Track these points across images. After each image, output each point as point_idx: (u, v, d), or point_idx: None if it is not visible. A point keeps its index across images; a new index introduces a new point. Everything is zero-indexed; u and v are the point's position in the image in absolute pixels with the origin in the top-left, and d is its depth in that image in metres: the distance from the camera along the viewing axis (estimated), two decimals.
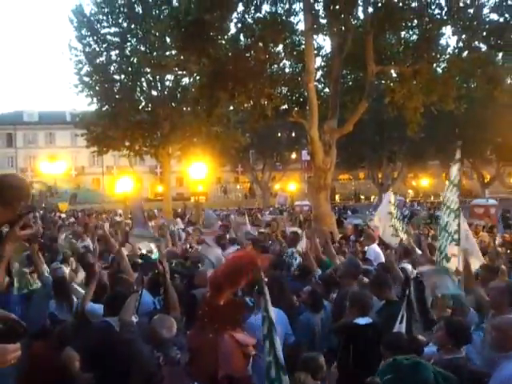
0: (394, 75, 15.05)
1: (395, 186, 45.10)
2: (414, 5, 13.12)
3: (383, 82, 16.01)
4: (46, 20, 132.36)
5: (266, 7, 13.64)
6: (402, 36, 14.44)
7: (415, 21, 13.58)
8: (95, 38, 23.90)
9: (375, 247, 8.19)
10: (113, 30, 24.06)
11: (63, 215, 22.60)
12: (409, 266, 6.30)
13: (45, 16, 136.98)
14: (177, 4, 19.00)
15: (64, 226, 13.74)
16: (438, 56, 14.14)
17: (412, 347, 3.37)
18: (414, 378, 2.07)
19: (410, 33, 14.24)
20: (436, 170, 46.46)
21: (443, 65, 14.40)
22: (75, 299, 5.14)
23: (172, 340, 3.75)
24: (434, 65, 14.12)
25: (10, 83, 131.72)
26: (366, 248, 8.34)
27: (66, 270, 6.58)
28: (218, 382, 3.42)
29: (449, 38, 16.96)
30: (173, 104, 24.37)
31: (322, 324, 4.87)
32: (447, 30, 14.04)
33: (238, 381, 3.53)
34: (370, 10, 13.20)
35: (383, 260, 7.54)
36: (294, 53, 14.54)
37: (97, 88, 24.14)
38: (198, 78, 17.84)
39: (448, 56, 14.11)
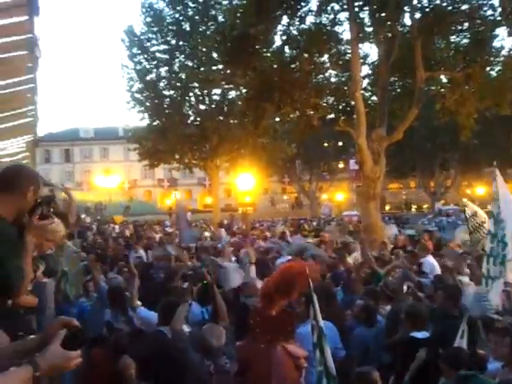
0: (445, 80, 14.60)
1: (448, 195, 43.52)
2: (464, 7, 12.72)
3: (433, 87, 15.56)
4: (99, 41, 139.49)
5: (310, 18, 13.71)
6: (452, 40, 14.01)
7: (466, 24, 13.15)
8: (145, 55, 24.87)
9: (430, 259, 7.92)
10: (162, 47, 24.96)
11: (116, 227, 23.45)
12: (465, 279, 6.04)
13: (98, 37, 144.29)
14: (223, 20, 19.46)
15: (119, 238, 14.25)
16: (492, 59, 13.59)
17: (473, 362, 3.21)
18: None
19: (461, 36, 13.79)
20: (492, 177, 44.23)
21: (497, 68, 13.83)
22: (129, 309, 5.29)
23: (221, 349, 3.78)
24: (488, 68, 13.58)
25: (68, 103, 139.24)
26: (422, 260, 8.08)
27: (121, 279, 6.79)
28: None
29: (503, 39, 16.24)
30: (220, 117, 24.83)
31: (375, 339, 4.75)
32: (501, 31, 13.50)
33: None
34: (418, 15, 12.93)
35: (438, 272, 7.29)
36: (340, 62, 14.47)
37: (147, 104, 25.04)
38: (244, 90, 18.11)
39: (503, 58, 13.54)
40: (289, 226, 23.12)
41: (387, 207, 47.45)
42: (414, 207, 52.06)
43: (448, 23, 12.43)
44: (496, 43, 14.14)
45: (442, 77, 14.43)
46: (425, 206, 47.21)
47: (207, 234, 15.39)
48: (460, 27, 13.31)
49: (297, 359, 3.65)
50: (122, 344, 4.29)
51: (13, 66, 5.61)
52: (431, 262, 7.78)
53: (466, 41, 13.67)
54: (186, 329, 4.09)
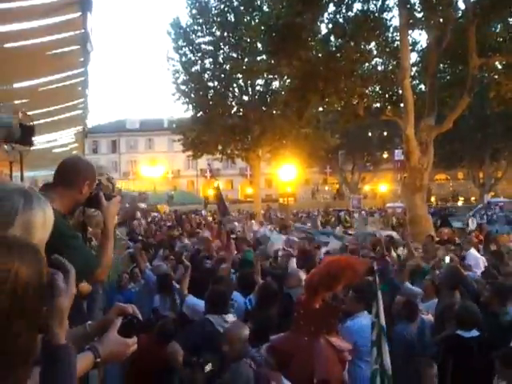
0: (500, 67, 13.87)
1: (499, 187, 41.62)
2: None
3: (486, 74, 14.84)
4: (146, 35, 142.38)
5: (357, 5, 13.37)
6: (511, 23, 13.25)
7: None
8: (191, 47, 25.12)
9: (474, 252, 7.70)
10: (207, 39, 25.11)
11: (157, 215, 23.97)
12: None
13: (145, 31, 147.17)
14: (268, 10, 19.30)
15: (164, 226, 14.55)
16: None
17: None
18: None
19: None
20: None
21: None
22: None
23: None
24: None
25: (116, 95, 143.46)
26: (464, 253, 7.85)
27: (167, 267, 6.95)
28: None
29: None
30: (263, 108, 24.79)
31: (418, 334, 4.64)
32: None
33: None
34: None
35: (481, 266, 7.09)
36: (387, 49, 14.06)
37: (192, 95, 25.34)
38: (288, 80, 17.97)
39: None
40: (325, 217, 22.88)
41: (433, 199, 46.01)
42: (461, 199, 50.21)
43: (507, 5, 11.75)
44: None
45: (497, 63, 13.71)
46: (472, 199, 45.43)
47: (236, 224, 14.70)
48: None
49: (340, 352, 3.62)
50: (169, 330, 4.40)
51: (65, 60, 5.78)
52: (475, 255, 7.57)
53: None
54: (232, 318, 4.12)
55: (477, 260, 7.51)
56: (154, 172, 48.06)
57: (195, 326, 4.16)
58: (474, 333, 3.96)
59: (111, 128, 60.40)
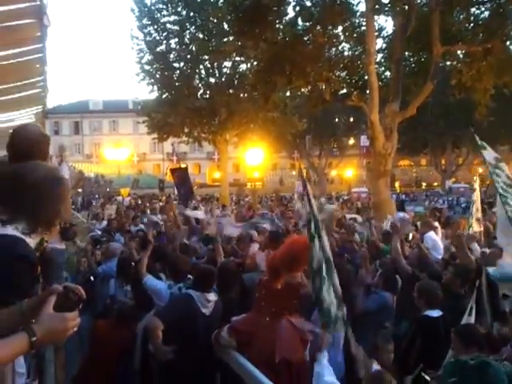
0: (461, 56, 14.20)
1: (459, 173, 43.11)
2: None
3: (449, 62, 15.16)
4: (109, 12, 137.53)
5: None
6: (472, 12, 13.54)
7: None
8: (155, 26, 24.41)
9: (432, 234, 7.86)
10: (172, 18, 24.46)
11: (127, 199, 23.67)
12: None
13: (108, 8, 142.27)
14: None
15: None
16: None
17: (488, 343, 3.17)
18: (481, 380, 1.85)
19: (482, 9, 13.32)
20: (506, 155, 43.60)
21: None
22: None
23: None
24: (508, 42, 13.17)
25: (78, 75, 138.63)
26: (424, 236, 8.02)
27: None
28: (276, 366, 3.44)
29: None
30: (230, 90, 24.49)
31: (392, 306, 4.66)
32: None
33: (296, 365, 3.53)
34: None
35: (441, 248, 7.27)
36: (354, 35, 14.11)
37: (157, 76, 24.73)
38: (255, 63, 17.81)
39: None
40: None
41: (397, 184, 47.22)
42: (424, 185, 51.74)
43: None
44: None
45: (459, 51, 14.02)
46: (435, 184, 46.91)
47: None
48: None
49: (302, 332, 3.66)
50: (126, 312, 4.36)
51: (21, 34, 5.51)
52: (433, 238, 7.71)
53: (486, 13, 13.22)
54: (214, 297, 4.01)
55: (434, 242, 7.65)
56: (119, 155, 47.16)
57: (176, 301, 4.05)
58: (438, 312, 4.08)
59: (73, 109, 58.52)
